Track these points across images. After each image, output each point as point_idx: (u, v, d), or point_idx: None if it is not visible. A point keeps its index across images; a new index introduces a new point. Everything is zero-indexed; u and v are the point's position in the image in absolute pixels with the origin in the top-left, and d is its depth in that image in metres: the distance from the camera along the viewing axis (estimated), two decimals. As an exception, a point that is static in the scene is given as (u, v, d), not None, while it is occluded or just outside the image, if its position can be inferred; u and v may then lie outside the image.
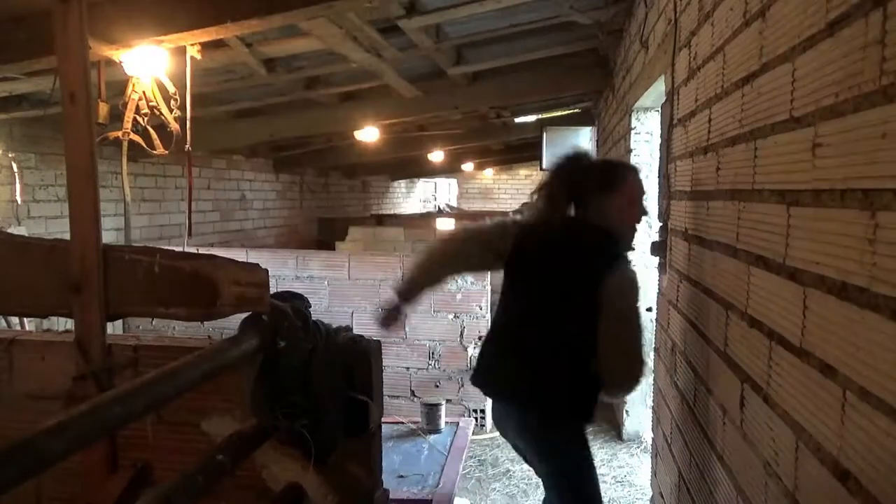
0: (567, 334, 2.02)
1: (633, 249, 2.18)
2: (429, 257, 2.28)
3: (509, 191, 17.02)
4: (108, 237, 4.37)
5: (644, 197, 2.18)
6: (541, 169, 7.22)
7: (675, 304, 2.26)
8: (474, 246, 2.23)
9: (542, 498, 2.32)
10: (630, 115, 3.88)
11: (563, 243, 2.12)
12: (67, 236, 1.45)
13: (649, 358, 2.04)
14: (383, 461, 1.75)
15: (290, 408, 1.41)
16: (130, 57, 2.90)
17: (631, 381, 2.03)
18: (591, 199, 2.11)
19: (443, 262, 2.27)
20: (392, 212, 12.77)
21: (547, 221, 2.18)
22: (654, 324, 2.95)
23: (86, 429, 0.88)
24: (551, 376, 2.03)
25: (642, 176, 2.22)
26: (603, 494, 3.32)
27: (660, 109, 3.30)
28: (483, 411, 4.34)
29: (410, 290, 2.23)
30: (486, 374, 2.22)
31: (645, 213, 2.21)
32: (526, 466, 3.59)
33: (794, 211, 1.15)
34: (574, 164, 2.20)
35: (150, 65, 2.98)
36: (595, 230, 2.09)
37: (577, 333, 1.99)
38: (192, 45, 3.01)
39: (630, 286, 2.00)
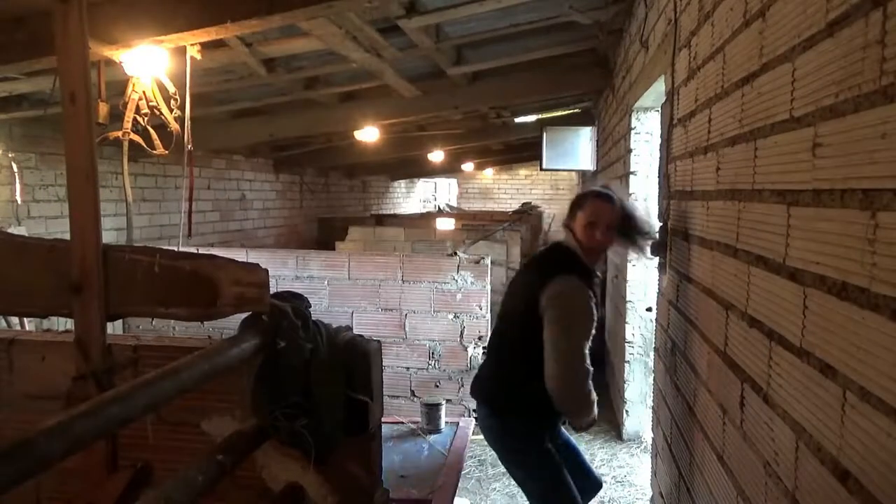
0: (518, 340, 2.23)
1: (594, 273, 2.27)
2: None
3: (509, 191, 17.03)
4: (108, 237, 4.37)
5: (610, 222, 2.24)
6: (541, 169, 7.22)
7: (675, 304, 2.26)
8: None
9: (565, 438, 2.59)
10: (630, 115, 3.88)
11: (531, 258, 2.39)
12: (67, 236, 1.45)
13: (585, 371, 2.11)
14: (383, 461, 1.75)
15: (290, 408, 1.41)
16: (130, 57, 2.90)
17: (563, 390, 2.10)
18: (569, 222, 2.33)
19: None
20: (392, 212, 12.76)
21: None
22: (654, 324, 2.94)
23: (86, 429, 0.88)
24: (506, 377, 2.27)
25: (617, 201, 2.30)
26: (603, 494, 3.33)
27: (660, 109, 3.30)
28: (483, 411, 4.34)
29: None
30: (474, 380, 2.48)
31: (609, 240, 2.27)
32: (526, 466, 3.60)
33: (794, 211, 1.15)
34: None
35: (150, 65, 2.98)
36: (557, 247, 2.32)
37: (526, 339, 2.16)
38: (192, 45, 3.01)
39: (567, 297, 2.12)
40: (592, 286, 2.21)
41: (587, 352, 2.11)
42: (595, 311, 2.15)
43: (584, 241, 2.23)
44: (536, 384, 2.12)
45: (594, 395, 2.17)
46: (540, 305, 2.11)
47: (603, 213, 2.24)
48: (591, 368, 2.13)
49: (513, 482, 3.58)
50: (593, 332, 2.15)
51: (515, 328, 2.27)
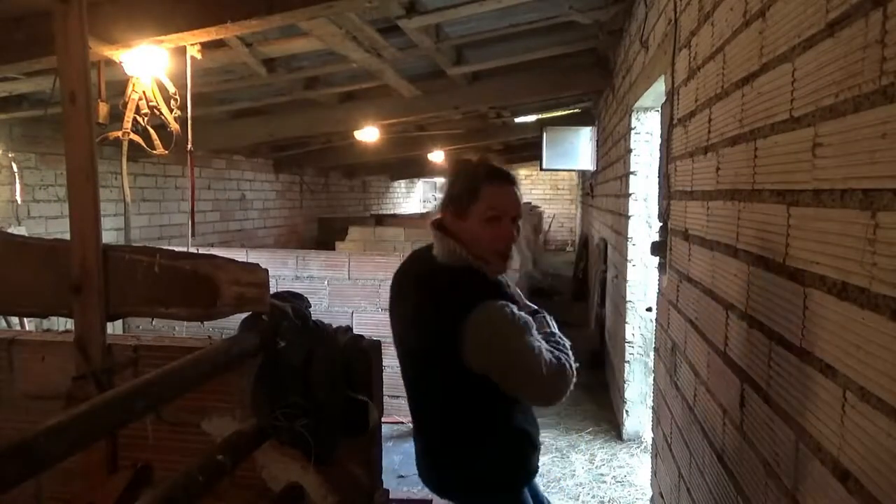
0: (439, 398, 1.62)
1: (502, 283, 1.63)
2: None
3: (509, 191, 17.00)
4: (108, 237, 4.38)
5: (519, 213, 1.62)
6: (541, 169, 7.22)
7: (675, 304, 2.26)
8: None
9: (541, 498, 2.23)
10: (630, 115, 3.88)
11: (415, 288, 1.65)
12: (67, 236, 1.45)
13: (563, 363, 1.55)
14: (383, 461, 1.75)
15: (290, 408, 1.41)
16: (130, 57, 2.90)
17: (560, 396, 1.55)
18: (452, 219, 1.62)
19: None
20: (392, 212, 12.77)
21: (412, 257, 1.77)
22: (655, 324, 2.95)
23: (86, 429, 0.88)
24: (444, 450, 1.68)
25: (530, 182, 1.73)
26: (603, 495, 3.33)
27: (660, 109, 3.30)
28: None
29: None
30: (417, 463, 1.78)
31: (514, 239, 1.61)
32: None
33: (794, 211, 1.15)
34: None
35: (150, 65, 2.98)
36: (446, 269, 1.58)
37: (450, 392, 1.59)
38: (192, 45, 3.01)
39: (496, 319, 1.49)
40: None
41: (540, 342, 1.52)
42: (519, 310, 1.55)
43: (484, 245, 1.56)
44: (489, 440, 1.60)
45: (568, 367, 1.54)
46: (464, 357, 1.47)
47: (511, 201, 1.59)
48: (552, 355, 1.53)
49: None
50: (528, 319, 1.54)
51: (431, 385, 1.64)
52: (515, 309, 1.52)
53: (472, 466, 1.62)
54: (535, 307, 1.74)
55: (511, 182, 1.60)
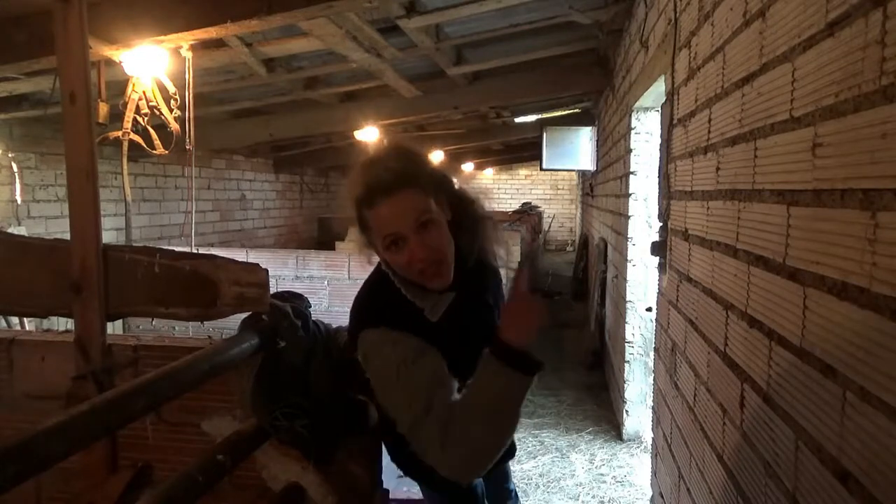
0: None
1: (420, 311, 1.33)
2: None
3: (509, 191, 17.03)
4: (108, 237, 4.38)
5: (429, 219, 1.27)
6: (541, 169, 7.22)
7: (675, 304, 2.26)
8: None
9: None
10: (630, 115, 3.88)
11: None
12: (67, 236, 1.45)
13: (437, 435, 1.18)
14: (383, 461, 1.75)
15: (290, 408, 1.41)
16: (130, 57, 2.90)
17: (458, 475, 1.22)
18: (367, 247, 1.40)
19: None
20: (392, 212, 12.74)
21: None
22: (655, 324, 2.95)
23: (86, 429, 0.88)
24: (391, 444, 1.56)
25: (426, 175, 1.32)
26: (603, 495, 3.33)
27: (660, 109, 3.30)
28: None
29: None
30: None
31: (443, 248, 1.30)
32: (525, 466, 3.60)
33: (794, 211, 1.15)
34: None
35: (150, 65, 2.99)
36: (363, 287, 1.43)
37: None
38: (185, 44, 3.00)
39: (374, 348, 1.28)
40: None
41: (437, 396, 1.20)
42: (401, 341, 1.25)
43: (407, 274, 1.31)
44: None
45: (473, 446, 1.18)
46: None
47: (401, 214, 1.25)
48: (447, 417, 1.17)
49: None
50: (438, 368, 1.23)
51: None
52: (398, 345, 1.24)
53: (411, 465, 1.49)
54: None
55: (393, 192, 1.24)
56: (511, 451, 1.59)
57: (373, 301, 1.37)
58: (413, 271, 1.29)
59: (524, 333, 1.17)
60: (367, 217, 1.28)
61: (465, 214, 1.41)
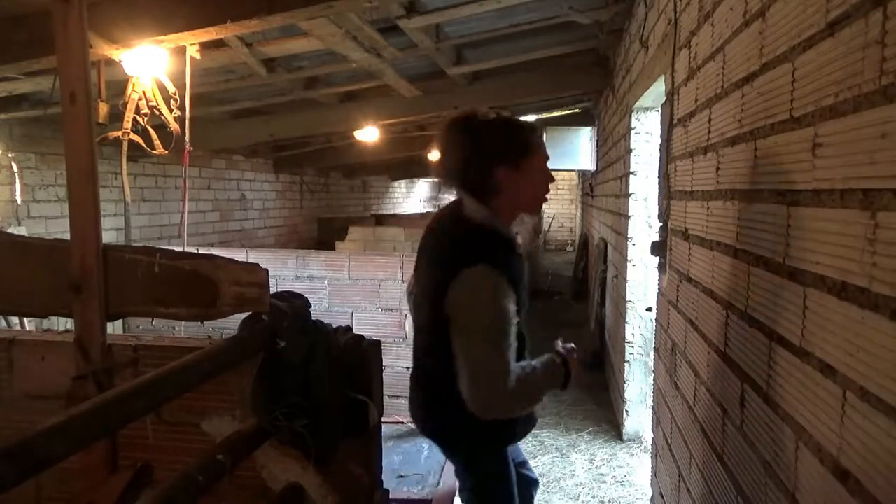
0: (437, 354, 1.64)
1: (513, 244, 1.66)
2: None
3: (509, 191, 16.99)
4: (108, 237, 4.38)
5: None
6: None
7: (675, 304, 2.26)
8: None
9: (541, 498, 2.24)
10: (630, 115, 3.88)
11: (432, 244, 1.73)
12: (67, 236, 1.45)
13: (509, 386, 1.52)
14: (383, 461, 1.75)
15: (290, 408, 1.41)
16: (130, 57, 2.90)
17: (483, 410, 1.54)
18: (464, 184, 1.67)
19: None
20: (392, 212, 12.76)
21: (439, 214, 1.82)
22: (655, 324, 2.95)
23: (86, 429, 0.88)
24: (436, 403, 1.74)
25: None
26: (603, 495, 3.33)
27: (660, 109, 3.30)
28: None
29: None
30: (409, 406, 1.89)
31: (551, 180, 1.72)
32: (526, 466, 3.60)
33: (794, 211, 1.15)
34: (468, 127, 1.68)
35: (150, 65, 2.99)
36: (463, 223, 1.64)
37: (438, 349, 1.62)
38: (191, 44, 3.01)
39: (473, 292, 1.53)
40: (516, 265, 1.63)
41: (507, 353, 1.53)
42: (511, 302, 1.55)
43: (538, 194, 1.71)
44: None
45: (522, 399, 1.60)
46: (446, 311, 1.56)
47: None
48: (511, 371, 1.53)
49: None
50: (512, 323, 1.55)
51: (430, 342, 1.73)
52: (506, 299, 1.53)
53: (457, 421, 1.65)
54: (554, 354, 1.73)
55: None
56: (534, 422, 1.89)
57: (473, 241, 1.60)
58: (540, 197, 1.73)
59: (572, 373, 1.71)
60: (530, 155, 1.65)
61: None
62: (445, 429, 1.76)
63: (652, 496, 2.88)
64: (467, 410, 1.54)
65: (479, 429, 1.64)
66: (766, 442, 1.28)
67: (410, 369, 1.88)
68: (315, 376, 1.47)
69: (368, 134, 6.14)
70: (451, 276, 1.53)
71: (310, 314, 1.56)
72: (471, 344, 1.54)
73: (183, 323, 4.19)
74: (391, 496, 1.86)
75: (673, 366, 2.31)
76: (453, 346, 1.56)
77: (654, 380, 2.94)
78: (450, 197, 1.83)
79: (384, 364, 1.71)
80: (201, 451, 1.31)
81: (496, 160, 1.62)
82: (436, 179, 2.01)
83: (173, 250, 1.55)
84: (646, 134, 3.86)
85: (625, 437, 4.06)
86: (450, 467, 3.21)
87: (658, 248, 2.49)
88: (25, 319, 3.57)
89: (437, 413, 1.76)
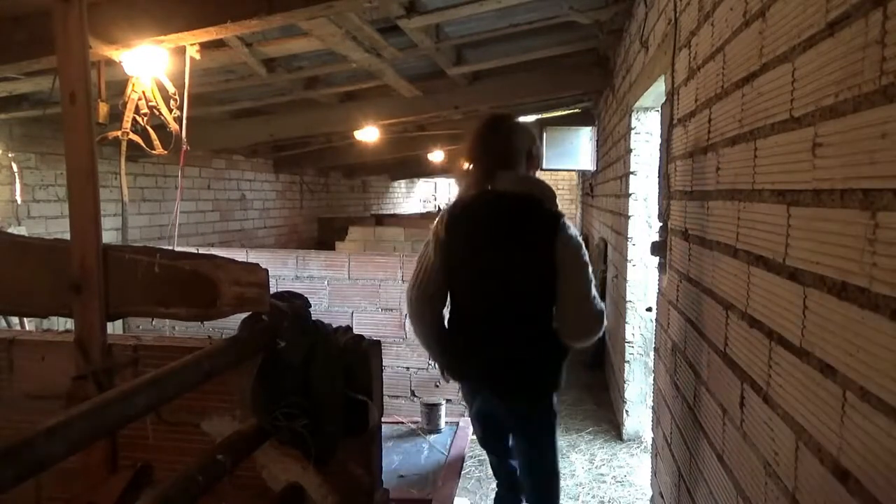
0: (534, 304, 2.08)
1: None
2: (423, 334, 2.26)
3: (509, 191, 17.00)
4: (108, 237, 4.37)
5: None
6: (541, 169, 7.20)
7: (675, 304, 2.26)
8: (429, 290, 2.19)
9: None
10: (630, 115, 3.88)
11: (509, 214, 2.10)
12: (67, 236, 1.45)
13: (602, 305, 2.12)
14: (383, 461, 1.75)
15: (290, 408, 1.41)
16: (130, 57, 2.90)
17: (592, 330, 2.08)
18: (519, 164, 2.18)
19: (432, 323, 2.23)
20: (392, 212, 12.76)
21: (478, 196, 2.18)
22: (655, 324, 2.95)
23: (86, 429, 0.88)
24: (532, 357, 2.09)
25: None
26: (603, 494, 3.33)
27: (660, 109, 3.30)
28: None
29: (442, 366, 2.32)
30: (466, 365, 2.21)
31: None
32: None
33: (794, 211, 1.15)
34: (498, 128, 2.22)
35: (149, 65, 2.99)
36: (527, 195, 2.12)
37: (542, 301, 2.07)
38: (191, 45, 3.01)
39: (578, 240, 2.07)
40: None
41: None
42: None
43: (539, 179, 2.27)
44: (555, 350, 2.11)
45: (604, 316, 2.15)
46: (557, 258, 2.00)
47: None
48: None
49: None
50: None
51: (529, 295, 2.08)
52: None
53: (546, 368, 2.11)
54: None
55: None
56: None
57: (551, 202, 2.13)
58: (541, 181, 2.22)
59: None
60: (538, 145, 2.28)
61: None
62: (541, 370, 2.11)
63: (652, 496, 2.88)
64: (559, 348, 2.09)
65: (560, 367, 2.12)
66: (766, 442, 1.28)
67: (477, 336, 2.14)
68: (315, 376, 1.47)
69: (368, 134, 6.14)
70: (552, 233, 2.01)
71: (310, 314, 1.56)
72: (588, 276, 2.04)
73: (183, 323, 4.20)
74: (391, 496, 1.86)
75: (673, 366, 2.31)
76: (563, 287, 2.01)
77: (654, 380, 2.94)
78: (456, 191, 2.37)
79: (384, 364, 1.71)
80: (201, 451, 1.31)
81: (534, 146, 2.25)
82: (472, 165, 2.25)
83: (173, 250, 1.55)
84: (646, 134, 3.86)
85: (625, 437, 4.06)
86: (450, 467, 3.21)
87: (658, 248, 2.49)
88: (25, 319, 3.57)
89: (534, 358, 2.09)
